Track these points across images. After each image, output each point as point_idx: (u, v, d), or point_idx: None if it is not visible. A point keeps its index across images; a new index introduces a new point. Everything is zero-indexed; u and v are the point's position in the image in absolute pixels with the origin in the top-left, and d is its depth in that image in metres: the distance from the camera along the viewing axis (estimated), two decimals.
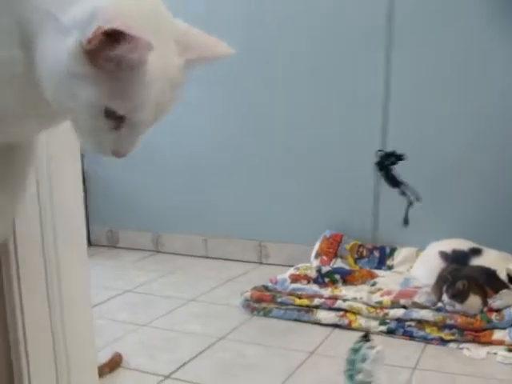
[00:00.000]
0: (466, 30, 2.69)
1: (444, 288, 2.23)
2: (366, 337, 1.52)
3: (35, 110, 0.74)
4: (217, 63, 0.80)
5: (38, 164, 0.92)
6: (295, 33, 3.01)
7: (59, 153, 0.96)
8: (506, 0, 2.57)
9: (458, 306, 2.18)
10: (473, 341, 2.09)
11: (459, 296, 2.19)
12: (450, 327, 2.14)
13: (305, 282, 2.62)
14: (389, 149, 2.87)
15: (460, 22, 2.70)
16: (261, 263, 3.23)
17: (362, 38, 2.87)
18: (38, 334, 0.98)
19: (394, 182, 1.89)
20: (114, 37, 0.62)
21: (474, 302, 2.19)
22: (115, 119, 0.69)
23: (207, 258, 3.36)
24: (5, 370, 0.92)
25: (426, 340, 2.14)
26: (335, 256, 2.91)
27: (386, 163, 1.89)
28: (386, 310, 2.27)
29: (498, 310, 2.19)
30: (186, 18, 0.78)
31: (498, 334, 2.09)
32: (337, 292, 2.49)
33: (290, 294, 2.48)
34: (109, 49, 0.63)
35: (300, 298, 2.44)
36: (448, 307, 2.21)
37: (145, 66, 0.66)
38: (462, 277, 2.23)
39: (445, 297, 2.22)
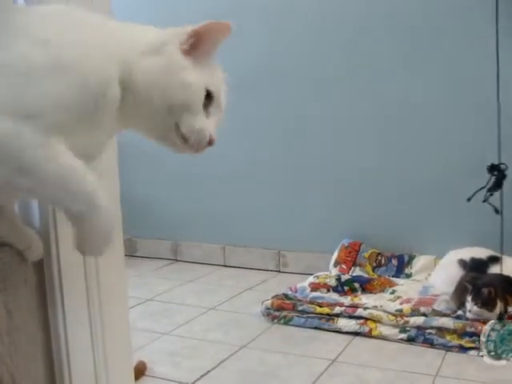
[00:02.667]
0: None
1: (469, 297, 2.23)
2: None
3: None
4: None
5: None
6: (323, 46, 3.04)
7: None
8: None
9: (486, 314, 2.18)
10: None
11: (488, 304, 2.19)
12: (471, 335, 2.15)
13: (324, 290, 2.64)
14: (405, 157, 2.90)
15: None
16: (279, 272, 3.26)
17: (387, 54, 2.90)
18: (78, 332, 1.02)
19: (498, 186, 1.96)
20: (197, 39, 0.86)
21: (499, 309, 2.20)
22: (207, 105, 0.88)
23: (225, 266, 3.39)
24: (46, 372, 0.95)
25: (446, 347, 2.16)
26: (354, 264, 2.93)
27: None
28: (406, 318, 2.29)
29: None
30: None
31: None
32: (356, 300, 2.51)
33: (311, 302, 2.50)
34: (196, 46, 0.86)
35: (320, 306, 2.46)
36: (474, 316, 2.20)
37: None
38: (483, 285, 2.24)
39: (471, 306, 2.21)
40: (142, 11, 3.35)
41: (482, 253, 2.61)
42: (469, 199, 1.90)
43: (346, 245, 2.99)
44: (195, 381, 1.97)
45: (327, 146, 3.08)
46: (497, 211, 1.84)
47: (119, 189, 1.12)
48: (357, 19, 2.95)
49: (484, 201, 1.85)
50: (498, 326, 1.93)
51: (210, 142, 0.92)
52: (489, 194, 1.83)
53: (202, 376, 2.00)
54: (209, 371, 2.04)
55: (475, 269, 2.52)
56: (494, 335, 1.89)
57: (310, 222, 3.17)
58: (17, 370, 0.75)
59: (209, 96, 0.88)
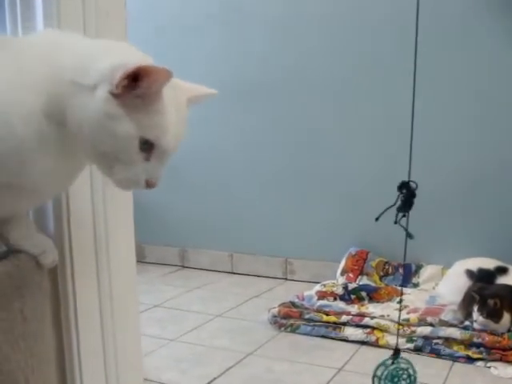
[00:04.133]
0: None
1: (475, 307, 2.24)
2: (396, 354, 1.52)
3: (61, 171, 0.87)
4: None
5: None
6: (334, 55, 3.06)
7: None
8: None
9: (492, 325, 2.19)
10: (500, 359, 2.10)
11: (494, 315, 2.19)
12: (478, 345, 2.15)
13: (331, 298, 2.64)
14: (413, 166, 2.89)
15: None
16: (286, 279, 3.26)
17: (392, 64, 2.91)
18: (90, 337, 1.03)
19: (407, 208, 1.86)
20: (134, 78, 0.77)
21: (507, 320, 2.20)
22: (147, 150, 0.82)
23: (233, 273, 3.40)
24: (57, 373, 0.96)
25: (453, 358, 2.15)
26: (361, 273, 2.93)
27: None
28: (413, 328, 2.29)
29: None
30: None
31: None
32: (363, 309, 2.52)
33: (318, 310, 2.51)
34: (132, 88, 0.78)
35: (327, 314, 2.46)
36: (480, 326, 2.21)
37: (162, 96, 0.81)
38: (490, 295, 2.24)
39: (477, 316, 2.22)
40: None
41: (489, 263, 2.61)
42: (376, 219, 1.71)
43: (354, 253, 3.00)
44: None
45: (336, 156, 3.09)
46: (409, 236, 1.66)
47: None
48: (369, 29, 2.96)
49: (395, 222, 1.65)
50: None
51: (149, 186, 0.87)
52: (401, 214, 1.65)
53: (208, 383, 2.01)
54: (215, 378, 2.04)
55: (482, 279, 2.52)
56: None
57: (317, 230, 3.17)
58: (32, 374, 0.76)
59: (148, 142, 0.82)
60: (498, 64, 2.73)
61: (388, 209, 1.69)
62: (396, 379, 1.48)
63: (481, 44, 2.75)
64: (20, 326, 0.77)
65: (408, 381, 1.49)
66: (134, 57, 0.83)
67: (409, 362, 1.51)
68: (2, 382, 0.72)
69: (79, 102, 0.79)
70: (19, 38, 1.00)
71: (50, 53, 0.83)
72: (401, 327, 2.31)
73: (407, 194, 1.64)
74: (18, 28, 1.02)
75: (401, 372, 1.49)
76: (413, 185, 1.67)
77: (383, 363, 1.50)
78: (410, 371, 1.50)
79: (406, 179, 2.80)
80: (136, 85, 0.78)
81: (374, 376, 1.48)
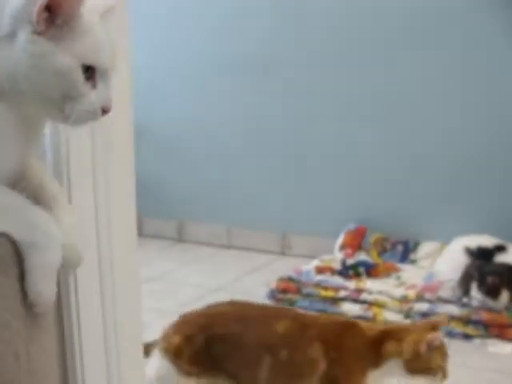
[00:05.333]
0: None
1: (474, 284, 2.24)
2: None
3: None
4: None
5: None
6: (320, 32, 3.03)
7: (114, 146, 1.00)
8: None
9: (490, 303, 2.19)
10: (498, 337, 2.11)
11: (493, 292, 2.20)
12: (475, 323, 2.16)
13: (329, 273, 2.64)
14: (413, 142, 2.90)
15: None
16: (283, 254, 3.26)
17: (392, 43, 2.88)
18: (90, 311, 1.02)
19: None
20: (49, 9, 0.72)
21: (504, 298, 2.21)
22: (90, 77, 0.77)
23: (230, 247, 3.39)
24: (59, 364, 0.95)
25: (450, 335, 2.15)
26: (359, 249, 2.93)
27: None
28: (410, 304, 2.29)
29: None
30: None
31: None
32: (361, 285, 2.52)
33: (316, 285, 2.51)
34: (53, 19, 0.73)
35: (325, 289, 2.46)
36: (478, 303, 2.21)
37: (83, 16, 0.76)
38: (489, 273, 2.24)
39: (476, 293, 2.23)
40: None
41: (488, 241, 2.60)
42: None
43: (352, 229, 2.99)
44: None
45: (336, 131, 3.07)
46: None
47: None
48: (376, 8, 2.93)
49: None
50: None
51: (106, 112, 0.81)
52: None
53: None
54: None
55: (481, 257, 2.52)
56: None
57: (315, 205, 3.16)
58: (32, 344, 0.75)
59: (89, 68, 0.77)
60: (487, 52, 2.71)
61: None
62: None
63: (473, 37, 2.72)
64: (18, 289, 0.75)
65: None
66: None
67: None
68: (1, 351, 0.71)
69: (3, 57, 0.73)
70: None
71: None
72: (399, 303, 2.31)
73: None
74: None
75: None
76: None
77: None
78: None
79: (407, 153, 2.81)
80: (54, 14, 0.73)
81: None
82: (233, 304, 1.69)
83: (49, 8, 0.72)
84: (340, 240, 2.97)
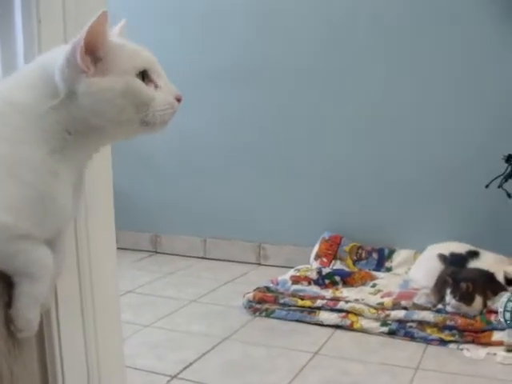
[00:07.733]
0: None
1: (448, 290, 2.27)
2: None
3: None
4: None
5: None
6: (307, 40, 3.05)
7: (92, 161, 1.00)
8: None
9: (464, 308, 2.22)
10: (472, 342, 2.13)
11: (467, 298, 2.23)
12: (450, 328, 2.18)
13: (305, 283, 2.65)
14: (386, 152, 2.92)
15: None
16: (259, 264, 3.26)
17: (370, 50, 2.91)
18: (70, 321, 1.02)
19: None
20: (88, 51, 0.79)
21: (478, 303, 2.24)
22: (148, 80, 0.86)
23: (206, 259, 3.39)
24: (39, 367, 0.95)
25: (426, 341, 2.18)
26: (334, 258, 2.95)
27: None
28: (387, 312, 2.31)
29: (497, 312, 2.23)
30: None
31: (497, 335, 2.13)
32: (338, 293, 2.53)
33: (293, 295, 2.51)
34: (96, 56, 0.80)
35: (302, 299, 2.47)
36: (453, 309, 2.24)
37: (110, 40, 0.83)
38: (462, 279, 2.27)
39: (450, 299, 2.25)
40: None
41: (461, 247, 2.64)
42: (486, 186, 2.34)
43: (327, 238, 3.01)
44: (178, 373, 1.97)
45: (309, 142, 3.09)
46: (509, 195, 2.26)
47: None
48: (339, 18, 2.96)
49: (499, 186, 2.27)
50: None
51: (179, 100, 0.90)
52: (504, 180, 2.21)
53: (185, 368, 2.00)
54: (191, 363, 2.04)
55: (455, 263, 2.55)
56: (510, 306, 2.11)
57: (290, 215, 3.18)
58: (15, 363, 0.75)
59: (143, 73, 0.85)
60: (477, 53, 2.74)
61: (498, 177, 2.30)
62: None
63: (470, 35, 2.76)
64: (1, 311, 0.75)
65: None
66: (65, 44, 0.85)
67: None
68: None
69: (76, 109, 0.80)
70: None
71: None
72: (375, 311, 2.33)
73: None
74: None
75: None
76: None
77: (509, 299, 2.10)
78: None
79: (381, 162, 2.84)
80: (94, 53, 0.80)
81: (505, 310, 2.09)
82: None
83: (87, 47, 0.78)
84: (315, 249, 2.99)
